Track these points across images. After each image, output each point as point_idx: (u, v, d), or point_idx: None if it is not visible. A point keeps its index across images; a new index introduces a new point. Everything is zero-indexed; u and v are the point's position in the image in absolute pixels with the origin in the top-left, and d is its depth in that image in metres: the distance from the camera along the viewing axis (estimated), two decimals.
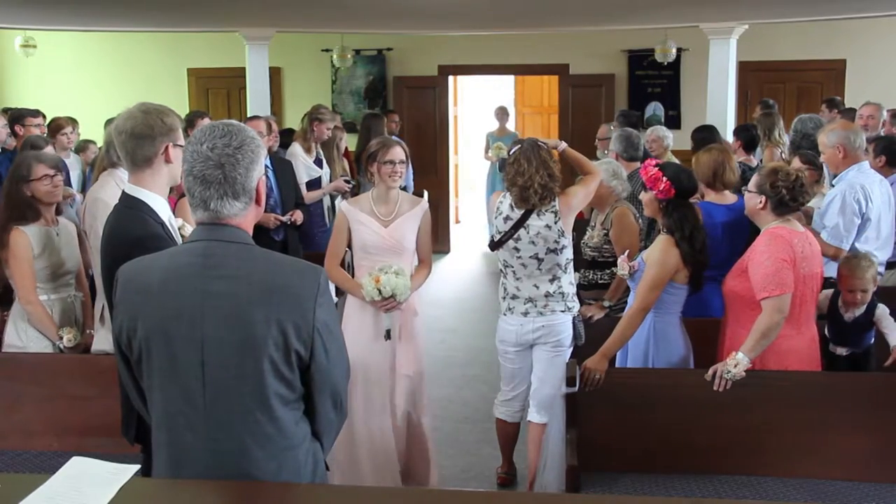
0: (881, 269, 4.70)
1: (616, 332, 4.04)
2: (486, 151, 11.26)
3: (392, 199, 4.39)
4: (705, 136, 6.59)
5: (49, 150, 5.55)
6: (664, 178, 4.00)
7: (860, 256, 4.12)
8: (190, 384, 2.16)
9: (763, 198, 3.83)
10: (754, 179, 3.95)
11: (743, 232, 4.35)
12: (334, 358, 2.22)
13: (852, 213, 4.57)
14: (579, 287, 5.03)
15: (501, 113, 11.47)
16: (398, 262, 4.28)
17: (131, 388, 2.38)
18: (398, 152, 4.34)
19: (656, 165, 4.11)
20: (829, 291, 4.12)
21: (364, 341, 4.27)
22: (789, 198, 3.81)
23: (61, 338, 4.16)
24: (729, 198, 4.67)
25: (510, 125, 12.03)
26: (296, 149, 6.89)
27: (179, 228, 3.22)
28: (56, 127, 6.87)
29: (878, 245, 4.66)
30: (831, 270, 4.53)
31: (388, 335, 4.31)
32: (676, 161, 5.49)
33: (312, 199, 6.73)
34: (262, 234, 5.60)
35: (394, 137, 9.11)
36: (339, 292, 4.60)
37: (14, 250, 4.14)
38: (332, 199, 7.21)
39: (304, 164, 6.81)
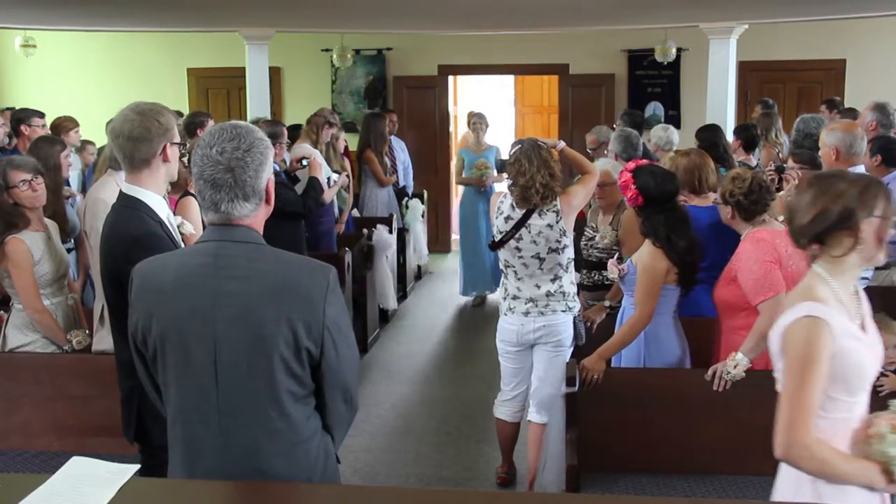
0: (868, 273, 4.68)
1: (616, 337, 4.04)
2: (458, 174, 8.59)
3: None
4: (710, 135, 6.57)
5: (70, 149, 5.57)
6: (632, 186, 4.00)
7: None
8: (203, 381, 2.20)
9: (729, 207, 3.88)
10: (718, 191, 3.98)
11: (732, 230, 4.33)
12: (344, 355, 2.25)
13: None
14: (583, 287, 5.02)
15: (479, 122, 8.50)
16: None
17: (148, 384, 2.42)
18: None
19: (633, 170, 4.07)
20: None
21: None
22: (748, 203, 3.83)
23: (70, 341, 4.11)
24: (712, 198, 4.63)
25: (496, 134, 9.28)
26: (308, 149, 6.58)
27: (179, 226, 3.22)
28: (63, 128, 6.86)
29: None
30: None
31: None
32: None
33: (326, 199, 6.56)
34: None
35: (393, 137, 9.19)
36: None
37: (14, 259, 4.05)
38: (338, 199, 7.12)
39: (323, 163, 6.55)
